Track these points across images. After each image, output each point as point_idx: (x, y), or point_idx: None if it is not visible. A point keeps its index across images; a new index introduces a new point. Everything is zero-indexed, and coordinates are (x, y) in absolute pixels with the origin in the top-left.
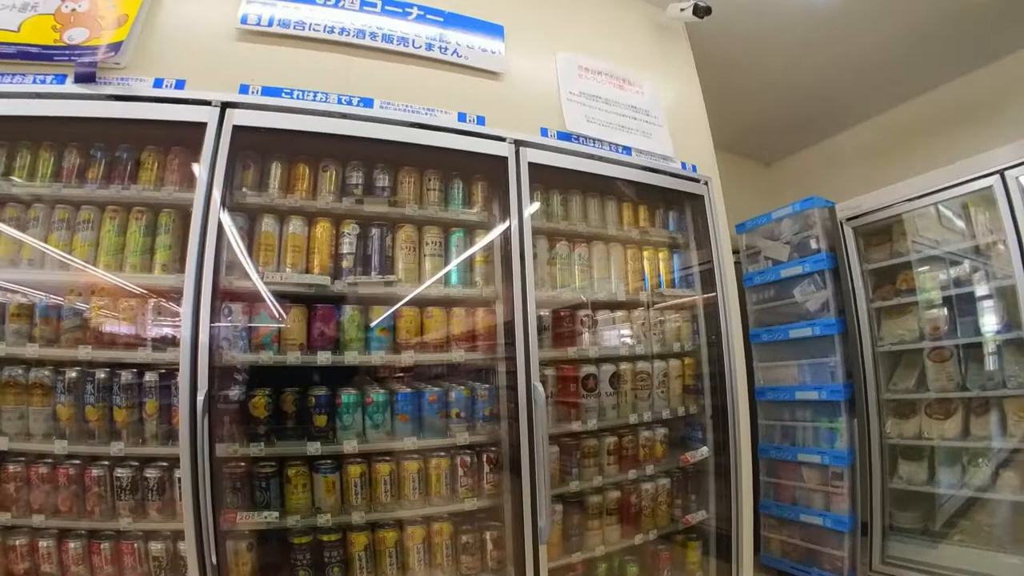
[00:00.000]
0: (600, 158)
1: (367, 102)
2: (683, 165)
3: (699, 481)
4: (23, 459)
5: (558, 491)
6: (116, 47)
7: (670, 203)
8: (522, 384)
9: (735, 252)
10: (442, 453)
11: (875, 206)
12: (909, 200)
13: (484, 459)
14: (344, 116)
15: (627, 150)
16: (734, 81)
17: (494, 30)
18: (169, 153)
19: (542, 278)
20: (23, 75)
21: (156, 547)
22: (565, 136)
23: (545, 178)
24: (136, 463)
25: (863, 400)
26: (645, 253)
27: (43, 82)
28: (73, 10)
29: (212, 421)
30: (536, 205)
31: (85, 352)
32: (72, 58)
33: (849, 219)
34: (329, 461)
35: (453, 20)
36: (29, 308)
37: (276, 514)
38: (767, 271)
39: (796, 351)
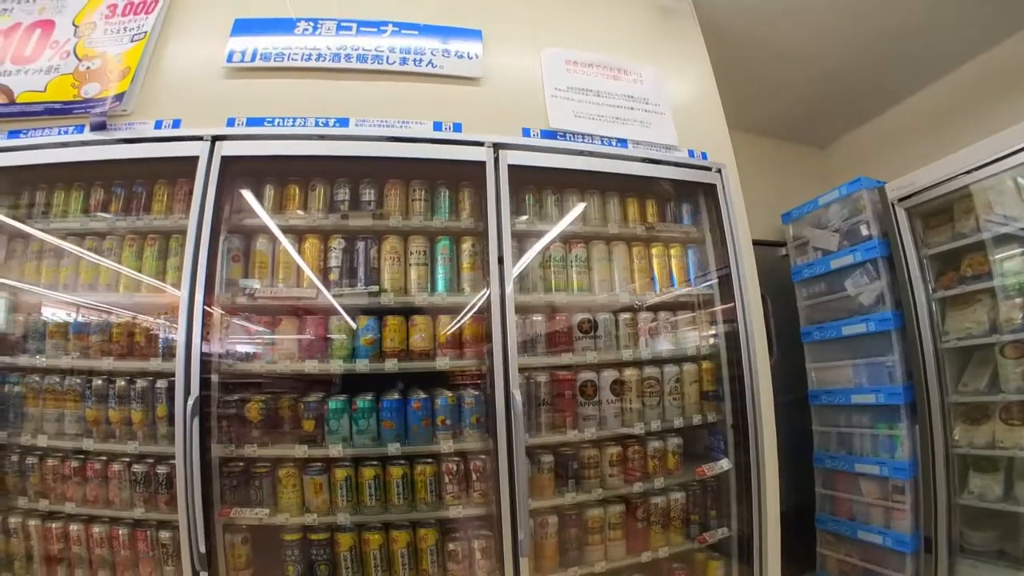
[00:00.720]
0: (591, 154)
1: (343, 122)
2: (691, 153)
3: (720, 495)
4: (60, 454)
5: (552, 503)
6: (120, 97)
7: (682, 196)
8: (500, 392)
9: (782, 244)
10: (428, 460)
11: (930, 182)
12: (968, 172)
13: (471, 467)
14: (322, 137)
15: (623, 142)
16: (766, 59)
17: (471, 35)
18: (176, 184)
19: (534, 282)
20: (49, 128)
21: (165, 535)
22: (550, 134)
23: (536, 179)
24: (151, 460)
25: (926, 404)
26: (654, 251)
27: (65, 132)
28: (88, 68)
29: (208, 423)
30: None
31: (108, 363)
32: (87, 110)
33: (901, 199)
34: (318, 464)
35: (428, 31)
36: (64, 326)
37: (267, 511)
38: (816, 263)
39: (851, 350)
